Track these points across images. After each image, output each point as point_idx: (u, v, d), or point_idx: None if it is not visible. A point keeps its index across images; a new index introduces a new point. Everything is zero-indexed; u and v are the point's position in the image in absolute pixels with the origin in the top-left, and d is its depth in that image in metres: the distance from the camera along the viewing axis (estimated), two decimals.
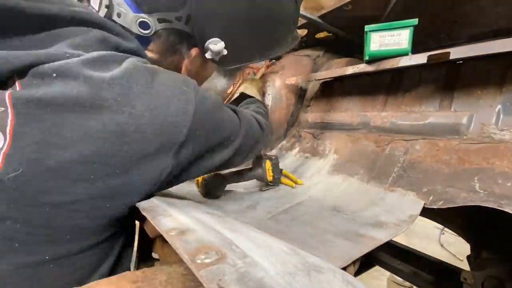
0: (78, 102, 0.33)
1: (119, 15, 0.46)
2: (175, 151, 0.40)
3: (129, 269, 0.48)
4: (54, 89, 0.33)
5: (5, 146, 0.31)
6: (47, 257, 0.35)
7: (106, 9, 0.45)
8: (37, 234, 0.34)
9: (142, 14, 0.46)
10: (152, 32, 0.48)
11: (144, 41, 0.49)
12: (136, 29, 0.47)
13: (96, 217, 0.37)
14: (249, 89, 0.99)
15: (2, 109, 0.32)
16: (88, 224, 0.37)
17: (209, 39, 0.52)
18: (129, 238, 0.48)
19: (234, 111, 0.58)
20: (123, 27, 0.46)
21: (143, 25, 0.47)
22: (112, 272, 0.43)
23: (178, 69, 0.56)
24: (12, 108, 0.31)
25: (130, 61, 0.38)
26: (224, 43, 0.53)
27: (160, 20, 0.48)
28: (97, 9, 0.45)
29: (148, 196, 0.43)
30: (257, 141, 0.66)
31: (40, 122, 0.32)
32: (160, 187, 0.43)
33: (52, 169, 0.32)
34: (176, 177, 0.45)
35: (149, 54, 0.51)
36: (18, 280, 0.34)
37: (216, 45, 0.52)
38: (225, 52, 0.54)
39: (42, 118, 0.32)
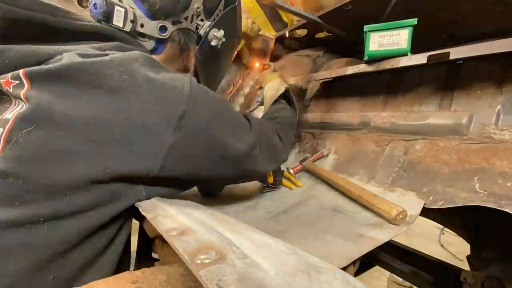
0: (83, 70, 0.38)
1: (142, 26, 0.55)
2: (174, 127, 0.42)
3: (125, 256, 0.48)
4: (63, 62, 0.38)
5: (22, 109, 0.36)
6: (41, 219, 0.36)
7: (132, 23, 0.53)
8: (37, 191, 0.35)
9: (160, 20, 0.56)
10: (169, 34, 0.58)
11: (162, 45, 0.59)
12: (157, 34, 0.56)
13: (97, 180, 0.38)
14: (279, 85, 0.87)
15: (17, 82, 0.37)
16: (89, 187, 0.38)
17: (211, 29, 0.63)
18: (128, 222, 0.48)
19: (244, 116, 0.62)
20: (143, 34, 0.56)
21: (162, 29, 0.57)
22: (106, 248, 0.43)
23: (190, 65, 0.66)
24: (26, 79, 0.37)
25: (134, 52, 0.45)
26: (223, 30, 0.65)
27: (173, 23, 0.58)
28: (121, 25, 0.52)
29: (153, 179, 0.43)
30: (276, 149, 0.68)
31: (50, 86, 0.37)
32: (167, 169, 0.43)
33: (62, 127, 0.36)
34: (183, 157, 0.44)
35: (165, 56, 0.60)
36: (10, 242, 0.34)
37: (219, 31, 0.64)
38: (224, 39, 0.65)
39: (52, 83, 0.37)
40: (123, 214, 0.44)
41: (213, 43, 0.64)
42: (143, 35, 0.56)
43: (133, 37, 0.54)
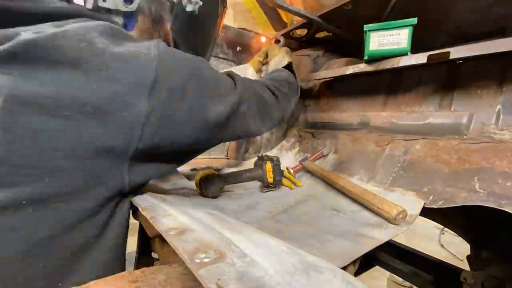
0: (38, 46, 0.36)
1: (104, 0, 0.50)
2: (147, 94, 0.40)
3: (121, 246, 0.46)
4: (16, 40, 0.35)
5: None
6: (24, 202, 0.35)
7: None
8: (16, 173, 0.35)
9: None
10: (137, 5, 0.52)
11: (132, 19, 0.53)
12: (123, 6, 0.51)
13: (74, 158, 0.37)
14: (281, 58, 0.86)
15: None
16: (67, 167, 0.37)
17: None
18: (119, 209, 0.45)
19: (228, 74, 0.57)
20: (109, 10, 0.51)
21: (128, 0, 0.51)
22: (98, 238, 0.42)
23: (168, 39, 0.60)
24: None
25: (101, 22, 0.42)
26: None
27: None
28: (82, 3, 0.48)
29: (135, 154, 0.41)
30: (267, 106, 0.63)
31: (9, 67, 0.35)
32: (147, 140, 0.41)
33: (30, 105, 0.35)
34: (163, 125, 0.42)
35: (138, 32, 0.55)
36: None
37: None
38: (200, 2, 0.58)
39: (10, 64, 0.35)
40: (110, 203, 0.42)
41: (189, 8, 0.57)
42: (109, 10, 0.51)
43: (101, 14, 0.49)
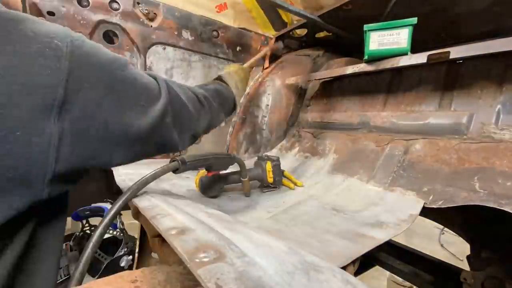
0: None
1: None
2: (56, 114, 0.35)
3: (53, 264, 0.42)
4: None
5: None
6: None
7: None
8: None
9: None
10: None
11: None
12: None
13: None
14: (229, 76, 0.83)
15: None
16: None
17: None
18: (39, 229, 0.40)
19: (153, 77, 0.51)
20: None
21: None
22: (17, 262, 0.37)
23: None
24: None
25: None
26: None
27: None
28: None
29: (53, 178, 0.36)
30: (191, 118, 0.57)
31: None
32: (64, 162, 0.36)
33: None
34: (78, 144, 0.37)
35: None
36: None
37: None
38: None
39: None
40: (15, 224, 0.36)
41: None
42: None
43: None
